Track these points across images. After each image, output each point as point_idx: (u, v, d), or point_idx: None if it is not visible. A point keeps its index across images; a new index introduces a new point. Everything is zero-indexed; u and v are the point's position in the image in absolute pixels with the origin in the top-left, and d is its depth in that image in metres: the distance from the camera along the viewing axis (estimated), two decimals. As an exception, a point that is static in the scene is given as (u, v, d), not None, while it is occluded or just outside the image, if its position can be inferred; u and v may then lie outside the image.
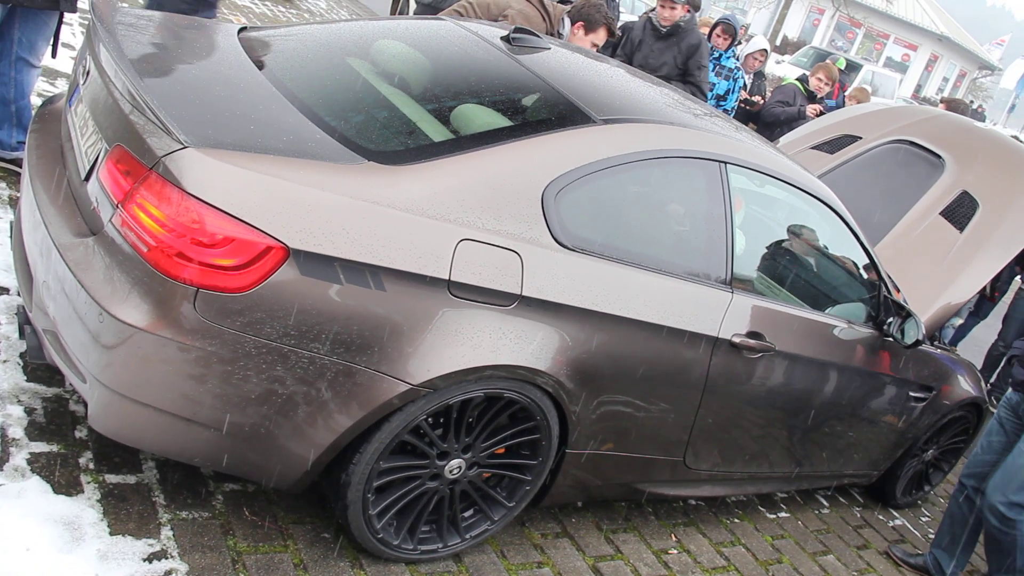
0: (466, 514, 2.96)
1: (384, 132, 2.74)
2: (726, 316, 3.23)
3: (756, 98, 7.97)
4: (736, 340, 3.26)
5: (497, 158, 2.64)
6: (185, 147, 2.22)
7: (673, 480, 3.54)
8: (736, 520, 4.12)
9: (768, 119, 7.65)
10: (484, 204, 2.57)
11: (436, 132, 2.75)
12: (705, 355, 3.19)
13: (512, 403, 2.75)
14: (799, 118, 7.61)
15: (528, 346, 2.65)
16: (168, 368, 2.28)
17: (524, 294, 2.61)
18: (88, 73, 2.79)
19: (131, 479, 2.73)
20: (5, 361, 3.00)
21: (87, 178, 2.54)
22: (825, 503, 4.76)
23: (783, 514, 4.41)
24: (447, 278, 2.46)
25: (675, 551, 3.65)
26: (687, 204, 3.25)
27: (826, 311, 3.85)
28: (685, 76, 6.55)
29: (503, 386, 2.67)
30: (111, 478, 2.70)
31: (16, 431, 2.73)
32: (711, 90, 7.38)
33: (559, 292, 2.71)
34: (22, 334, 2.66)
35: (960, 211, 4.84)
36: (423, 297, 2.44)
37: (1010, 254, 4.62)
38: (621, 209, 3.00)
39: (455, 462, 2.77)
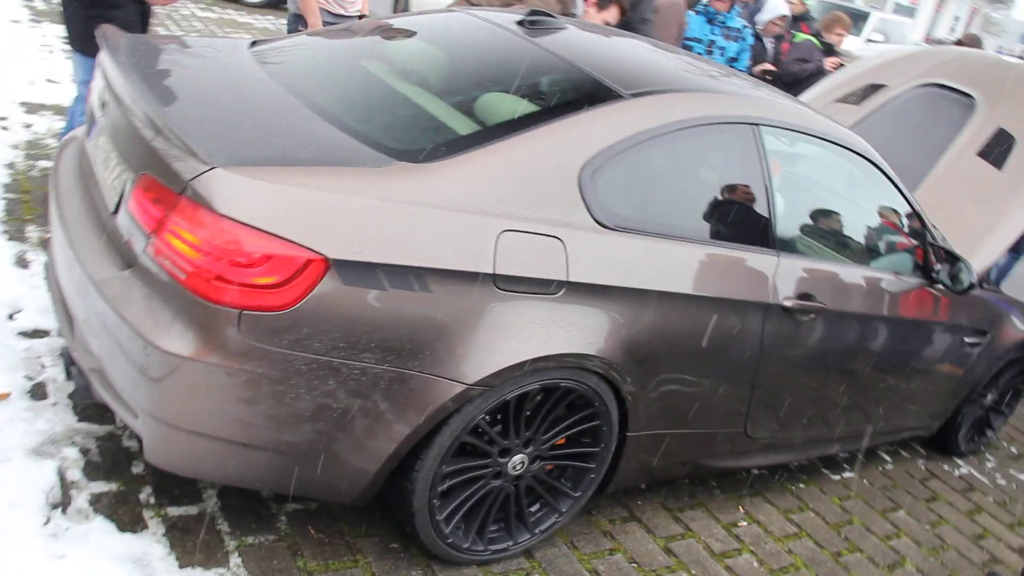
0: (533, 509, 2.91)
1: (410, 131, 2.68)
2: (775, 280, 3.15)
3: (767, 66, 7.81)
4: (788, 304, 3.17)
5: (529, 144, 2.58)
6: (212, 168, 2.17)
7: (735, 452, 3.47)
8: (801, 485, 4.04)
9: (787, 79, 7.50)
10: (521, 193, 2.51)
11: (463, 125, 2.68)
12: (758, 322, 3.11)
13: (569, 392, 2.69)
14: (818, 73, 7.46)
15: (580, 332, 2.59)
16: (219, 394, 2.24)
17: (570, 279, 2.55)
18: (105, 105, 2.75)
19: (193, 510, 2.70)
20: (55, 404, 2.98)
21: (116, 211, 2.50)
22: (888, 459, 4.67)
23: (847, 474, 4.32)
24: (492, 272, 2.40)
25: (744, 523, 3.58)
26: (724, 170, 3.17)
27: (872, 264, 3.76)
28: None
29: (558, 376, 2.61)
30: (173, 511, 2.67)
31: (75, 473, 2.71)
32: (722, 55, 7.25)
33: (605, 274, 2.64)
34: (69, 375, 2.63)
35: (997, 149, 4.70)
36: (470, 294, 2.38)
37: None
38: (658, 183, 2.93)
39: (517, 458, 2.72)
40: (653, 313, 2.78)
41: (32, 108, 5.72)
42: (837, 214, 3.79)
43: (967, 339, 4.29)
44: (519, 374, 2.50)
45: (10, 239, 4.01)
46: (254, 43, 3.30)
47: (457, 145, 2.53)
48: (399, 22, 3.67)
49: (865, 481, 4.32)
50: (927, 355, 4.11)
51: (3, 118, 5.38)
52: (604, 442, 2.87)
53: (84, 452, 2.80)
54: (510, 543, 2.86)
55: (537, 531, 2.91)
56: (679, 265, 2.86)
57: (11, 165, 4.79)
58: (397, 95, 2.90)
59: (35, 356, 3.21)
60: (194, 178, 2.18)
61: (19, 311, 3.47)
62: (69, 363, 2.63)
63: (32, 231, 4.12)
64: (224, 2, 11.10)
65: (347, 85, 3.03)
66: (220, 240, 2.15)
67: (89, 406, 2.97)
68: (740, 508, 3.68)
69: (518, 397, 2.58)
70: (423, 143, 2.56)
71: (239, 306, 2.16)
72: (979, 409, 4.84)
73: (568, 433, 2.81)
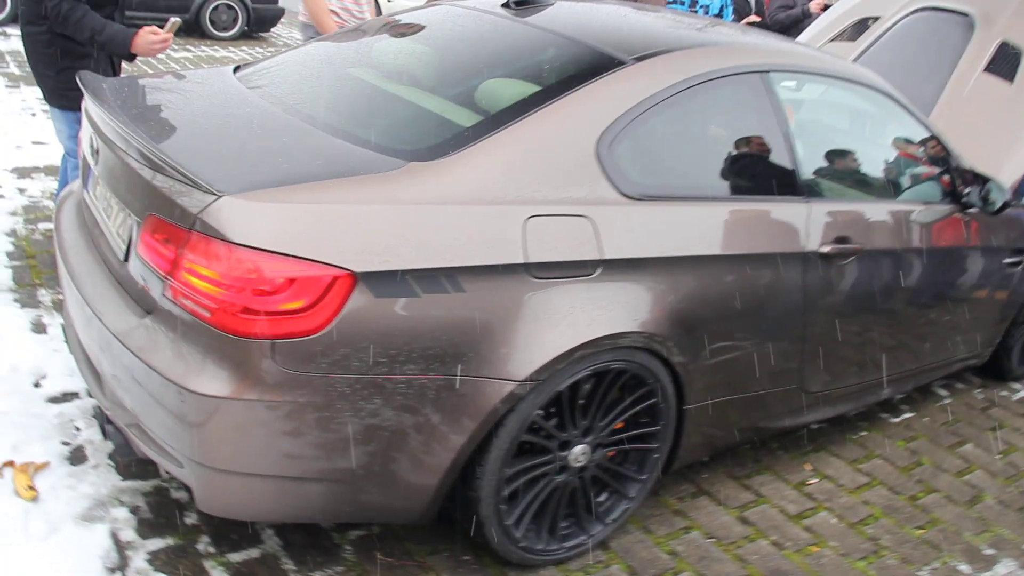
0: (600, 499, 2.81)
1: (415, 130, 2.59)
2: (808, 228, 3.04)
3: (753, 18, 7.68)
4: (825, 250, 3.06)
5: (540, 124, 2.47)
6: (219, 197, 2.07)
7: (793, 410, 3.35)
8: (863, 433, 3.92)
9: (775, 28, 7.37)
10: (540, 175, 2.41)
11: (468, 117, 2.58)
12: (798, 273, 3.00)
13: (621, 373, 2.59)
14: (805, 18, 7.32)
15: (623, 310, 2.49)
16: (264, 430, 2.15)
17: (605, 257, 2.44)
18: (97, 152, 2.66)
19: (255, 552, 2.61)
20: (96, 466, 2.90)
21: (126, 258, 2.41)
22: (945, 393, 4.54)
23: (907, 415, 4.20)
24: (524, 261, 2.30)
25: (814, 480, 3.47)
26: (739, 123, 3.06)
27: (901, 198, 3.64)
28: None
29: (608, 358, 2.50)
30: (235, 557, 2.58)
31: (128, 533, 2.62)
32: (706, 12, 7.12)
33: (639, 246, 2.54)
34: (105, 434, 2.54)
35: (1004, 62, 4.57)
36: (505, 288, 2.28)
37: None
38: (676, 146, 2.83)
39: (578, 449, 2.61)
40: (692, 280, 2.68)
41: (23, 172, 5.65)
42: (858, 152, 3.67)
43: (1007, 260, 4.16)
44: (568, 363, 2.39)
45: (23, 306, 3.94)
46: (237, 68, 3.20)
47: (467, 137, 2.43)
48: (382, 24, 3.57)
49: (926, 419, 4.19)
50: (969, 281, 3.98)
51: (-4, 187, 5.31)
52: (663, 419, 2.77)
53: (134, 511, 2.71)
54: (584, 537, 2.75)
55: (609, 520, 2.81)
56: (711, 227, 2.76)
57: (12, 232, 4.72)
58: (395, 97, 2.81)
59: (68, 420, 3.12)
60: (202, 211, 2.09)
61: (44, 377, 3.39)
62: (104, 422, 2.54)
63: (44, 295, 4.04)
64: (197, 40, 11.02)
65: (342, 95, 2.93)
66: (240, 271, 2.05)
67: (132, 463, 2.88)
68: (807, 466, 3.57)
69: (571, 387, 2.47)
70: (432, 141, 2.46)
71: (270, 336, 2.06)
72: (1028, 329, 4.71)
73: (626, 416, 2.70)
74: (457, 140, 2.41)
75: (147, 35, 3.71)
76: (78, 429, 3.07)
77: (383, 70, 3.06)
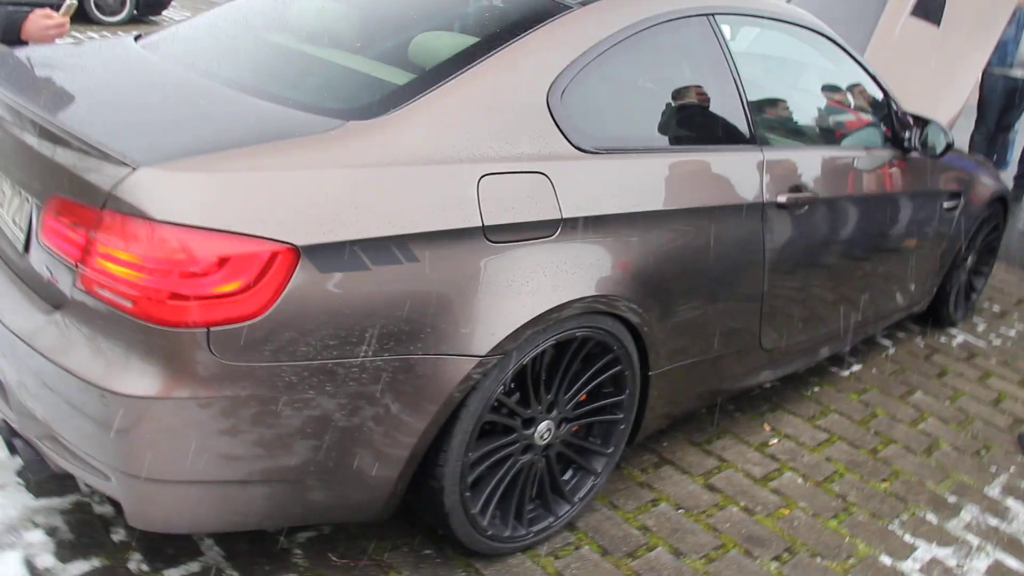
0: (566, 477, 2.63)
1: (350, 89, 2.34)
2: (763, 176, 2.90)
3: None
4: (782, 199, 2.93)
5: (487, 75, 2.25)
6: (134, 168, 1.80)
7: (752, 369, 3.23)
8: (816, 389, 3.84)
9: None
10: (490, 130, 2.20)
11: (405, 74, 2.34)
12: (757, 223, 2.87)
13: (586, 341, 2.40)
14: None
15: (586, 273, 2.30)
16: (201, 431, 1.89)
17: (564, 216, 2.25)
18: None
19: (195, 567, 2.35)
20: (4, 486, 2.58)
21: (27, 248, 2.12)
22: (888, 343, 4.51)
23: (855, 367, 4.14)
24: (480, 224, 2.09)
25: (775, 440, 3.36)
26: (690, 69, 2.89)
27: (846, 144, 3.54)
28: None
29: (573, 326, 2.32)
30: (172, 574, 2.32)
31: (45, 559, 2.33)
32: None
33: (598, 203, 2.35)
34: (12, 449, 2.25)
35: (930, 5, 4.51)
36: (462, 255, 2.07)
37: (999, 26, 4.32)
38: (628, 94, 2.64)
39: (543, 425, 2.43)
40: (654, 236, 2.51)
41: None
42: (804, 97, 3.55)
43: (945, 204, 4.12)
44: (532, 333, 2.19)
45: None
46: (138, 37, 2.89)
47: (408, 92, 2.19)
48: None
49: (874, 371, 4.14)
50: (916, 228, 3.92)
51: None
52: (629, 387, 2.60)
53: (51, 532, 2.42)
54: (551, 519, 2.57)
55: (576, 499, 2.63)
56: (669, 179, 2.59)
57: None
58: (322, 58, 2.55)
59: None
60: (116, 186, 1.82)
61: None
62: (11, 436, 2.24)
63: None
64: (82, 25, 10.41)
65: (262, 57, 2.65)
66: (164, 252, 1.79)
67: (46, 480, 2.58)
68: (766, 425, 3.46)
69: (534, 359, 2.28)
70: (371, 98, 2.22)
71: (204, 324, 1.81)
72: (963, 274, 4.70)
73: (590, 387, 2.52)
74: (398, 96, 2.18)
75: (40, 19, 3.32)
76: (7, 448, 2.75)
77: (305, 30, 2.78)
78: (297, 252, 1.85)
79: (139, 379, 1.84)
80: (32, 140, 2.06)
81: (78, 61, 2.60)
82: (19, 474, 2.60)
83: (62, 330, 1.96)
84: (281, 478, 2.03)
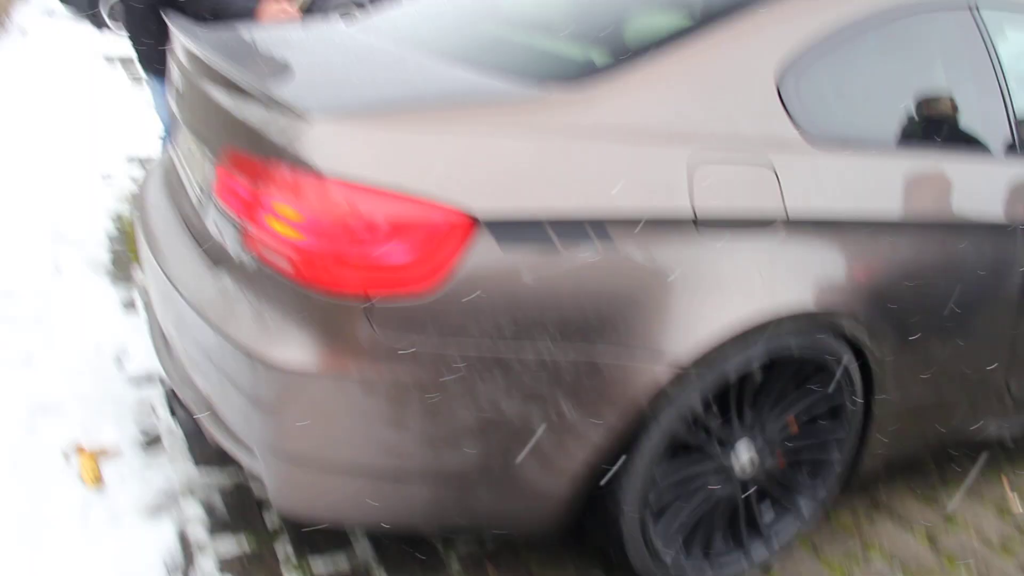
0: (766, 516, 2.27)
1: (553, 61, 2.10)
2: (1028, 190, 2.44)
3: None
4: (1049, 218, 2.45)
5: (712, 49, 1.95)
6: (309, 119, 1.63)
7: (995, 417, 2.73)
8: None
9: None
10: (708, 110, 1.90)
11: (620, 47, 2.06)
12: (1016, 248, 2.41)
13: (803, 362, 2.05)
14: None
15: (810, 281, 1.96)
16: (355, 414, 1.70)
17: (789, 214, 1.91)
18: (180, 92, 2.27)
19: (343, 562, 2.18)
20: (173, 456, 2.51)
21: (203, 208, 2.00)
22: None
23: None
24: (690, 212, 1.79)
25: (1019, 502, 2.85)
26: (948, 65, 2.46)
27: None
28: None
29: (791, 341, 1.97)
30: (319, 565, 2.16)
31: (198, 531, 2.23)
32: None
33: (829, 202, 2.01)
34: (175, 416, 2.14)
35: None
36: (665, 243, 1.78)
37: None
38: (870, 85, 2.26)
39: (745, 454, 2.09)
40: (892, 249, 2.13)
41: (139, 161, 5.40)
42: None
43: None
44: (743, 343, 1.87)
45: (116, 284, 3.62)
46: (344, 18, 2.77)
47: (623, 62, 1.92)
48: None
49: None
50: None
51: (107, 175, 5.06)
52: (848, 422, 2.22)
53: (208, 507, 2.32)
54: (745, 563, 2.22)
55: (775, 542, 2.27)
56: (915, 186, 2.19)
57: (118, 217, 4.46)
58: (530, 30, 2.33)
59: (148, 405, 2.75)
60: (289, 137, 1.65)
61: (127, 357, 3.05)
62: (174, 402, 2.14)
63: (139, 273, 3.72)
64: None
65: (464, 31, 2.46)
66: (332, 211, 1.60)
67: (213, 454, 2.49)
68: (1006, 486, 2.94)
69: (742, 375, 1.95)
70: (576, 67, 1.97)
71: (367, 295, 1.61)
72: None
73: (804, 416, 2.17)
74: (607, 69, 1.91)
75: (272, 5, 3.32)
76: (158, 415, 2.70)
77: (516, 14, 2.56)
78: (476, 223, 1.62)
79: (293, 350, 1.66)
80: (215, 93, 1.94)
81: (278, 32, 2.49)
82: (190, 448, 2.52)
83: (223, 292, 1.83)
84: (440, 477, 1.81)
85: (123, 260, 3.90)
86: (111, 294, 3.54)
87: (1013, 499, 2.85)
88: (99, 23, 7.80)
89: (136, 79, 7.46)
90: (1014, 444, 3.15)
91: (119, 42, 8.00)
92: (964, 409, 2.58)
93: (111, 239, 4.14)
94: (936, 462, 2.97)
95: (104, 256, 3.93)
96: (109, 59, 8.17)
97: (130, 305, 3.45)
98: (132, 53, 3.61)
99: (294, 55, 2.22)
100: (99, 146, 5.51)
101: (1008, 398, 2.68)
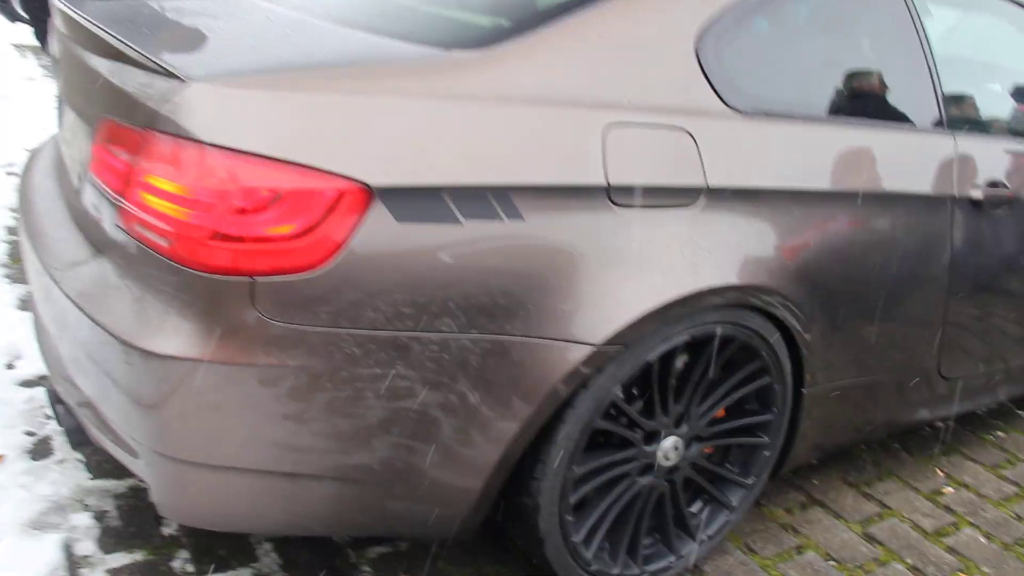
0: (694, 508, 2.17)
1: (456, 23, 1.97)
2: (957, 166, 2.38)
3: None
4: (977, 195, 2.40)
5: (628, 9, 1.83)
6: (186, 82, 1.47)
7: (927, 400, 2.67)
8: (1000, 434, 3.23)
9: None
10: (622, 73, 1.78)
11: (534, 3, 1.95)
12: (945, 222, 2.35)
13: (728, 341, 1.95)
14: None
15: (733, 255, 1.86)
16: (242, 407, 1.55)
17: (710, 184, 1.81)
18: (58, 62, 2.10)
19: (246, 574, 2.01)
20: (62, 461, 2.33)
21: (81, 186, 1.84)
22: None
23: (1049, 412, 3.49)
24: (604, 181, 1.67)
25: (950, 489, 2.79)
26: (875, 33, 2.39)
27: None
28: None
29: (714, 319, 1.87)
30: (220, 578, 1.99)
31: (86, 545, 2.05)
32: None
33: (752, 173, 1.91)
34: (57, 417, 1.97)
35: None
36: (577, 216, 1.66)
37: None
38: (794, 53, 2.18)
39: (669, 442, 1.98)
40: (818, 221, 2.04)
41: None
42: (1009, 79, 2.98)
43: None
44: (662, 323, 1.76)
45: (13, 282, 3.40)
46: None
47: (530, 22, 1.80)
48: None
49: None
50: None
51: (10, 164, 4.81)
52: (777, 406, 2.13)
53: (99, 517, 2.14)
54: (672, 559, 2.12)
55: (704, 537, 2.17)
56: (841, 156, 2.11)
57: (17, 209, 4.20)
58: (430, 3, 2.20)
59: (38, 407, 2.56)
60: (163, 102, 1.50)
61: (19, 358, 2.85)
62: (56, 401, 1.97)
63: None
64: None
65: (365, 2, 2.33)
66: (211, 180, 1.45)
67: (106, 458, 2.30)
68: (938, 471, 2.89)
69: (662, 356, 1.84)
70: (478, 31, 1.85)
71: (249, 272, 1.47)
72: None
73: (730, 400, 2.07)
74: (514, 28, 1.79)
75: None
76: (48, 418, 2.51)
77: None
78: (370, 193, 1.49)
79: (171, 337, 1.50)
80: (93, 61, 1.78)
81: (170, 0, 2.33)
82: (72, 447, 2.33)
83: (101, 280, 1.67)
84: (340, 475, 1.66)
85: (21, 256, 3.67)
86: (5, 291, 3.32)
87: (946, 487, 2.80)
88: (11, 14, 7.49)
89: (48, 68, 7.18)
90: (945, 428, 3.10)
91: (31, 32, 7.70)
92: (895, 391, 2.51)
93: (9, 230, 3.91)
94: (870, 451, 2.90)
95: (1, 252, 3.70)
96: (20, 48, 7.84)
97: (25, 306, 3.25)
98: (36, 37, 3.42)
99: (181, 20, 2.06)
100: (4, 137, 5.24)
101: (938, 379, 2.62)
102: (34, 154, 2.55)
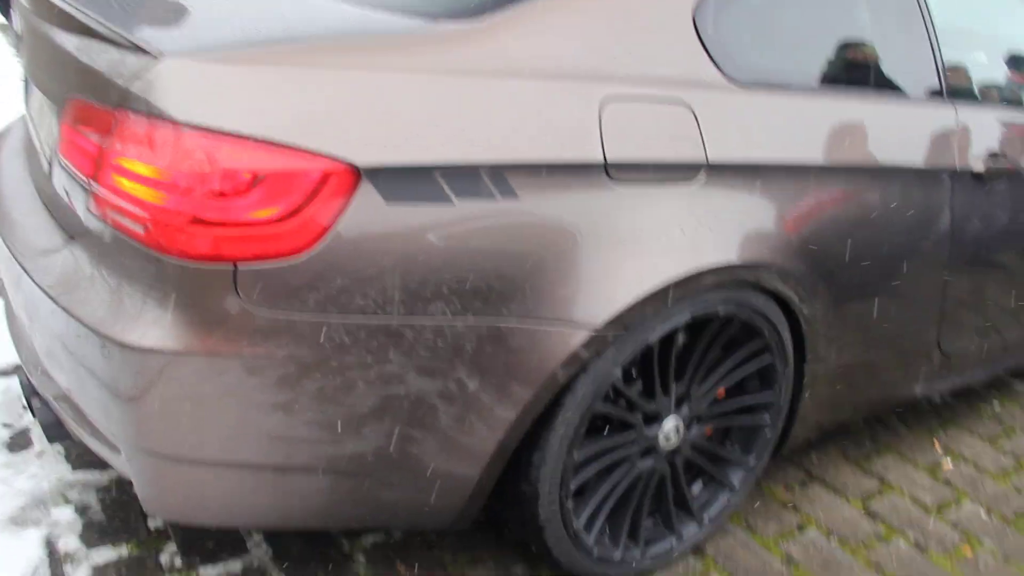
0: (695, 490, 2.12)
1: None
2: (958, 139, 2.32)
3: None
4: (979, 167, 2.34)
5: None
6: (158, 59, 1.39)
7: (926, 375, 2.63)
8: (997, 406, 3.19)
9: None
10: (619, 46, 1.71)
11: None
12: (945, 194, 2.29)
13: (729, 321, 1.89)
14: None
15: (734, 233, 1.79)
16: (228, 400, 1.47)
17: (709, 159, 1.74)
18: (22, 38, 2.01)
19: (235, 566, 1.95)
20: (42, 454, 2.26)
21: (51, 170, 1.75)
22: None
23: (1045, 383, 3.46)
24: (601, 157, 1.60)
25: (950, 462, 2.75)
26: (871, 3, 2.32)
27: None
28: None
29: (716, 297, 1.81)
30: (209, 572, 1.92)
31: (70, 541, 1.99)
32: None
33: (753, 147, 1.84)
34: (31, 409, 1.89)
35: None
36: (574, 193, 1.59)
37: None
38: (795, 23, 2.10)
39: (670, 425, 1.92)
40: (820, 196, 1.98)
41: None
42: (1013, 50, 2.92)
43: None
44: (664, 303, 1.70)
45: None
46: None
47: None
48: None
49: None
50: None
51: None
52: (779, 385, 2.07)
53: (82, 511, 2.08)
54: (674, 541, 2.07)
55: (706, 519, 2.12)
56: (842, 129, 2.05)
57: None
58: None
59: (14, 397, 2.49)
60: (134, 79, 1.41)
61: (-4, 347, 2.75)
62: (31, 394, 1.89)
63: None
64: None
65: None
66: (188, 162, 1.37)
67: (88, 451, 2.23)
68: (936, 446, 2.85)
69: (663, 338, 1.78)
70: (475, 5, 1.76)
71: (231, 259, 1.39)
72: None
73: (731, 380, 2.01)
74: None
75: None
76: (25, 408, 2.43)
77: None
78: (357, 174, 1.41)
79: (151, 328, 1.43)
80: (56, 34, 1.69)
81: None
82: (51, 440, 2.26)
83: (71, 266, 1.59)
84: (333, 467, 1.60)
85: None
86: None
87: (945, 460, 2.76)
88: None
89: (13, 45, 7.01)
90: (942, 402, 3.06)
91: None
92: (895, 366, 2.46)
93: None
94: (868, 427, 2.86)
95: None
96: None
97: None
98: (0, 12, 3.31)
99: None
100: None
101: (938, 354, 2.57)
102: (2, 135, 2.46)
